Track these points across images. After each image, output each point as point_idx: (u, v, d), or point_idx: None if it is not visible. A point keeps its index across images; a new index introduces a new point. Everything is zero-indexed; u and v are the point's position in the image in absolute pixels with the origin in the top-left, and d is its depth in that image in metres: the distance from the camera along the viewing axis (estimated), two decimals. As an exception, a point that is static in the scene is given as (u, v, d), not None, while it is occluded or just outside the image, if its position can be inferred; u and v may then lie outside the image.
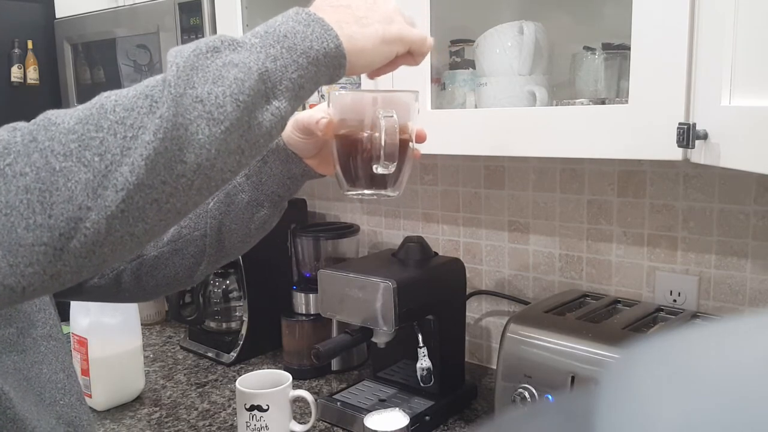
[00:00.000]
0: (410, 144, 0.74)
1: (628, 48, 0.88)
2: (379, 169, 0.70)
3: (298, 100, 0.58)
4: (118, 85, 1.65)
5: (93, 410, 1.30)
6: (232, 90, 0.52)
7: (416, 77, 1.09)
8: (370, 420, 1.03)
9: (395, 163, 0.71)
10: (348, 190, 0.74)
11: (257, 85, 0.53)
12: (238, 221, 0.82)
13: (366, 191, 0.74)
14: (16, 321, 0.71)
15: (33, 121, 0.50)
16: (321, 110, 0.76)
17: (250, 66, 0.53)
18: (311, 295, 1.45)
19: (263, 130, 0.54)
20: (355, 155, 0.72)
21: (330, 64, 0.59)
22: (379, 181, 0.72)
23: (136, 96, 0.50)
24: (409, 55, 0.67)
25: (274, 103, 0.55)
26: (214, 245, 0.82)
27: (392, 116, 0.69)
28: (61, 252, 0.47)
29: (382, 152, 0.69)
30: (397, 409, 1.06)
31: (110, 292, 0.84)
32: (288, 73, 0.55)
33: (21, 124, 0.49)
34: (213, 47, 0.53)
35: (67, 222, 0.47)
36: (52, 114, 0.50)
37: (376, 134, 0.70)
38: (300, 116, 0.78)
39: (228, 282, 1.58)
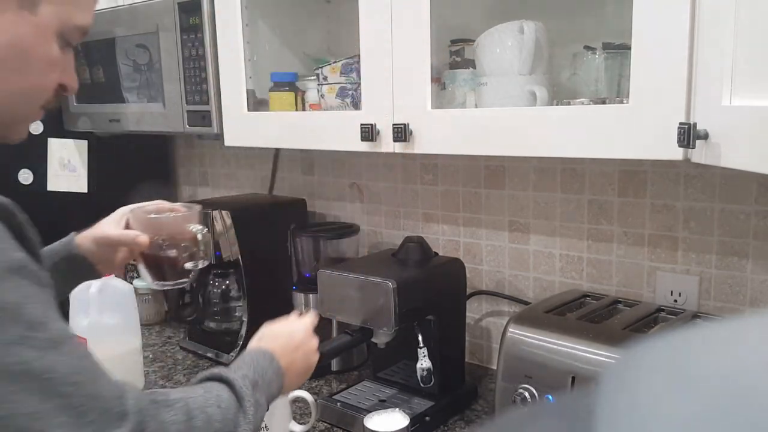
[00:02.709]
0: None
1: (629, 47, 0.88)
2: (199, 265, 0.99)
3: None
4: (117, 84, 1.65)
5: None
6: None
7: (416, 77, 1.09)
8: (370, 421, 1.03)
9: (187, 266, 0.98)
10: (157, 283, 1.00)
11: None
12: None
13: (170, 282, 1.00)
14: None
15: None
16: (117, 225, 0.97)
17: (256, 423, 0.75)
18: (311, 295, 1.45)
19: None
20: (168, 260, 0.97)
21: (279, 394, 0.85)
22: (184, 274, 0.99)
23: None
24: None
25: None
26: None
27: (206, 229, 1.00)
28: None
29: (201, 254, 0.99)
30: (397, 409, 1.06)
31: None
32: (262, 417, 0.79)
33: None
34: (241, 406, 0.74)
35: None
36: None
37: (186, 243, 0.98)
38: (112, 234, 0.95)
39: (228, 282, 1.58)
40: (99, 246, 0.95)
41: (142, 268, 0.98)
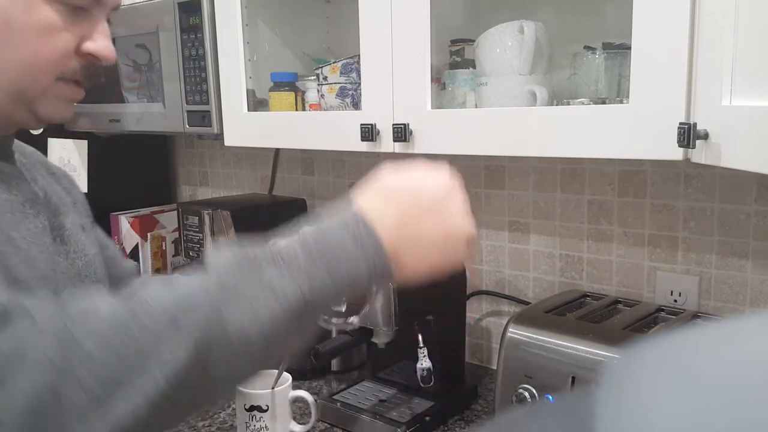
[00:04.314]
0: None
1: (629, 47, 0.88)
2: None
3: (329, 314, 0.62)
4: (117, 84, 1.65)
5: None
6: (264, 327, 0.49)
7: (416, 77, 1.09)
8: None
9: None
10: None
11: (292, 319, 0.51)
12: None
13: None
14: None
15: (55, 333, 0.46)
16: None
17: (289, 297, 0.50)
18: (311, 295, 1.45)
19: (287, 353, 0.55)
20: None
21: (372, 282, 0.56)
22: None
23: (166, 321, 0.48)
24: None
25: (308, 328, 0.54)
26: None
27: None
28: None
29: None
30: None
31: None
32: (327, 301, 0.53)
33: (42, 326, 0.46)
34: (254, 260, 0.51)
35: None
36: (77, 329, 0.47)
37: None
38: None
39: (228, 282, 1.58)
40: None
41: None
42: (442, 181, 0.59)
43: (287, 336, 0.52)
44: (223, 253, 0.52)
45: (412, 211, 0.57)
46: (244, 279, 0.50)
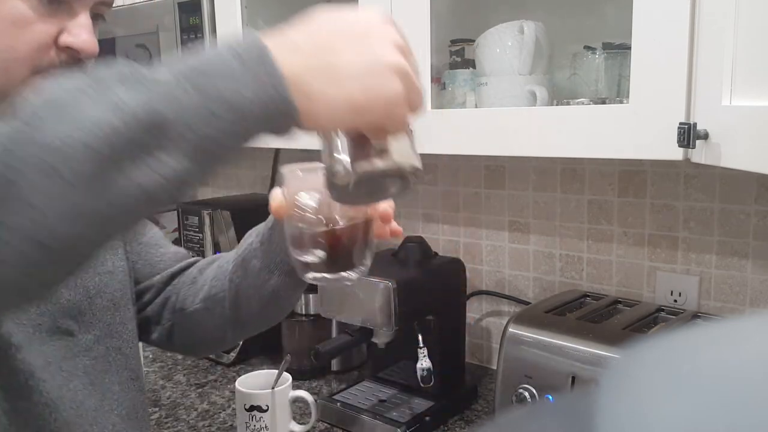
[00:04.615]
0: (365, 225, 0.63)
1: (629, 47, 0.88)
2: (308, 258, 0.61)
3: (214, 159, 0.46)
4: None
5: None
6: (96, 139, 0.41)
7: (416, 77, 1.09)
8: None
9: (320, 252, 0.61)
10: (312, 276, 0.63)
11: (142, 138, 0.42)
12: (252, 288, 0.77)
13: (320, 275, 0.63)
14: (95, 329, 0.72)
15: None
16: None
17: (136, 112, 0.42)
18: (311, 295, 1.45)
19: (137, 191, 0.42)
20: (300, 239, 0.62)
21: (269, 117, 0.45)
22: (324, 266, 0.62)
23: None
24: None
25: (162, 158, 0.42)
26: (233, 310, 0.79)
27: (310, 203, 0.59)
28: None
29: (304, 240, 0.61)
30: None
31: (166, 344, 0.87)
32: (199, 126, 0.43)
33: None
34: (99, 80, 0.43)
35: None
36: None
37: (300, 222, 0.61)
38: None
39: (228, 282, 1.57)
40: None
41: (292, 252, 0.63)
42: (371, 15, 0.50)
43: (138, 160, 0.42)
44: (63, 77, 0.44)
45: (327, 38, 0.48)
46: (79, 95, 0.42)
